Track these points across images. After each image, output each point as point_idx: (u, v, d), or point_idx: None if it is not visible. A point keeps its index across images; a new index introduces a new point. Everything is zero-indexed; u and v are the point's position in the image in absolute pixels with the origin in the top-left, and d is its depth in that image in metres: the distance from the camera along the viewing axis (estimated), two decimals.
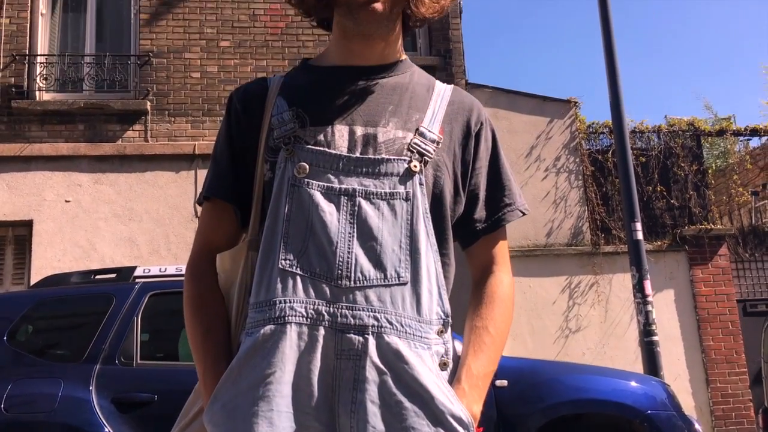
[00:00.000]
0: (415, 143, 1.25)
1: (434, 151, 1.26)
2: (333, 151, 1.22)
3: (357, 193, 1.20)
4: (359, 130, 1.25)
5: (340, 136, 1.24)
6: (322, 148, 1.22)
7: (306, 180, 1.20)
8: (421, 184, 1.23)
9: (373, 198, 1.20)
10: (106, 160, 7.89)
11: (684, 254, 9.10)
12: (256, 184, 1.27)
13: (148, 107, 8.04)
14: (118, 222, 7.73)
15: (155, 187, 7.92)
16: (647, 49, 43.44)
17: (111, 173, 7.88)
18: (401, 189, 1.21)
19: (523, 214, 1.40)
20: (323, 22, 1.38)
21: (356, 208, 1.19)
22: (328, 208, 1.19)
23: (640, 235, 7.07)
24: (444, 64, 8.62)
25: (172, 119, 8.14)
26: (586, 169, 9.24)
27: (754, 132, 10.50)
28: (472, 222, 1.35)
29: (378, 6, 1.25)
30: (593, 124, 9.68)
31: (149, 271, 4.45)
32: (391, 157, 1.23)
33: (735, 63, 42.05)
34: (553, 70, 44.03)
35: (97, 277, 4.57)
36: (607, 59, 7.48)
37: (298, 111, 1.27)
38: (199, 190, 1.50)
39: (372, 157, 1.22)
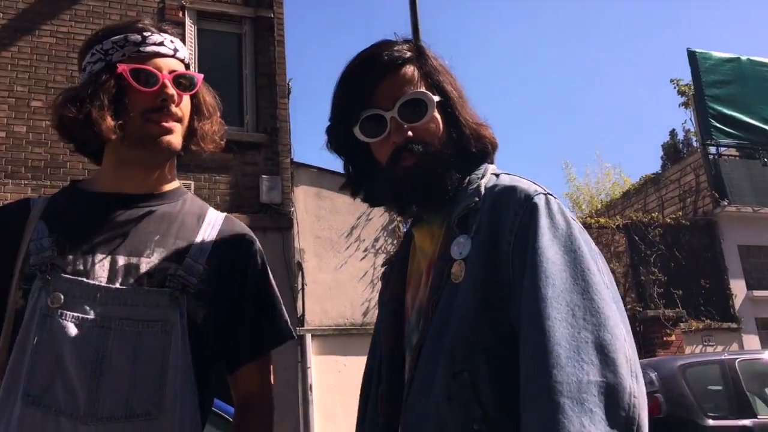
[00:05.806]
0: (179, 274, 1.26)
1: (198, 282, 1.27)
2: (91, 282, 1.20)
3: (112, 327, 1.18)
4: (121, 260, 1.24)
5: (100, 266, 1.22)
6: (79, 278, 1.20)
7: (59, 311, 1.17)
8: (182, 315, 1.23)
9: (129, 332, 1.19)
10: None
11: None
12: (8, 311, 1.22)
13: None
14: None
15: None
16: None
17: None
18: (159, 322, 1.21)
19: (290, 338, 1.44)
20: (91, 152, 1.37)
21: (109, 342, 1.18)
22: (79, 342, 1.16)
23: None
24: (270, 141, 8.70)
25: None
26: None
27: None
28: (236, 349, 1.37)
29: (173, 140, 1.29)
30: None
31: None
32: (152, 289, 1.22)
33: None
34: None
35: None
36: None
37: (58, 238, 1.23)
38: None
39: (131, 288, 1.22)
